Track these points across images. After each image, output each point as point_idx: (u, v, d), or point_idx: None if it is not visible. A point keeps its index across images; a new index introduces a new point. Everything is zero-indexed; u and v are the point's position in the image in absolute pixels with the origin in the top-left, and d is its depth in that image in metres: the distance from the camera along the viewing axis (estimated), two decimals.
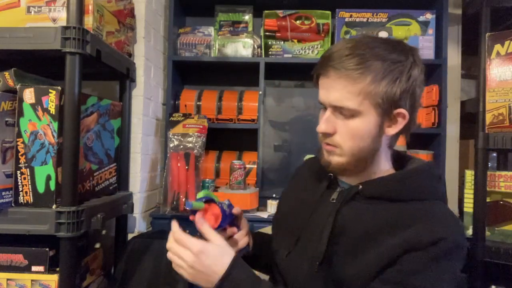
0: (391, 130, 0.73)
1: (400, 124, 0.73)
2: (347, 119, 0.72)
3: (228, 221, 0.83)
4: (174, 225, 0.78)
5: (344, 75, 0.69)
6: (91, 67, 1.22)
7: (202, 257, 0.71)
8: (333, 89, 0.71)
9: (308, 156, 1.58)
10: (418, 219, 0.68)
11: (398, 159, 0.82)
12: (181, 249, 0.74)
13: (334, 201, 0.78)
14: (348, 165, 0.75)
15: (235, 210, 0.87)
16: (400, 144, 1.66)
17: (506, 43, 1.46)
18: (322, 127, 0.73)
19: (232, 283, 0.70)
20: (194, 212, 0.80)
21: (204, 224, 0.77)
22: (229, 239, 0.86)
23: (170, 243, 0.77)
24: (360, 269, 0.69)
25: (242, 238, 0.89)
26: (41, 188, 1.05)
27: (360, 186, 0.75)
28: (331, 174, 0.82)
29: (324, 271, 0.73)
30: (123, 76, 1.49)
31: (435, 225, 0.68)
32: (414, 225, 0.67)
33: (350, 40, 0.74)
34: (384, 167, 0.78)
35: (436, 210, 0.72)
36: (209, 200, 0.81)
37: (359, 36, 0.76)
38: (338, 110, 0.72)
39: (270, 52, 1.92)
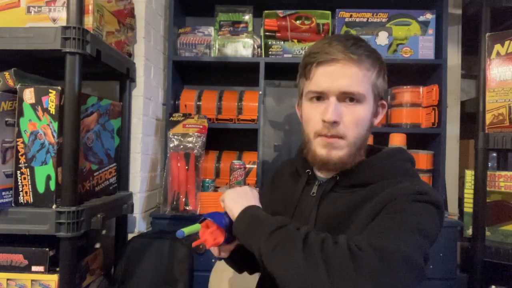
0: (376, 120, 0.80)
1: (381, 115, 0.80)
2: (353, 106, 0.73)
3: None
4: None
5: (357, 61, 0.71)
6: (91, 67, 1.22)
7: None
8: (344, 75, 0.71)
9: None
10: (394, 184, 0.71)
11: (372, 152, 0.83)
12: None
13: (314, 194, 0.80)
14: (349, 158, 0.75)
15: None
16: (400, 144, 1.66)
17: (506, 43, 1.46)
18: (333, 116, 0.71)
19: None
20: (191, 237, 0.78)
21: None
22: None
23: None
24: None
25: None
26: (41, 188, 1.05)
27: (337, 178, 0.77)
28: (309, 170, 0.83)
29: None
30: (123, 76, 1.49)
31: (413, 184, 0.70)
32: (391, 187, 0.70)
33: (347, 34, 0.78)
34: (359, 158, 0.78)
35: (412, 180, 0.74)
36: (203, 220, 0.78)
37: (339, 34, 0.82)
38: (347, 96, 0.72)
39: (270, 52, 1.92)
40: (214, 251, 0.83)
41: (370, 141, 1.69)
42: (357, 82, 0.71)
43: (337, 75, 0.71)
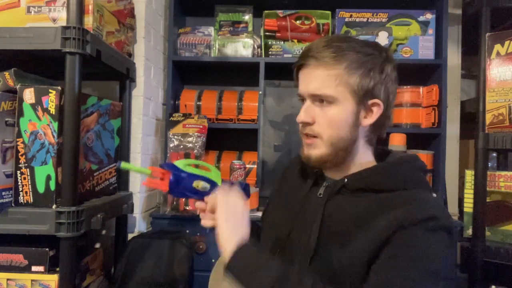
0: (367, 121, 0.76)
1: (375, 114, 0.76)
2: (325, 107, 0.75)
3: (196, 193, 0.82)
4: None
5: (323, 63, 0.73)
6: (91, 67, 1.22)
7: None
8: (313, 78, 0.75)
9: None
10: (405, 202, 0.70)
11: (383, 155, 0.84)
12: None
13: (321, 196, 0.80)
14: (328, 157, 0.76)
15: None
16: (400, 144, 1.66)
17: (506, 43, 1.46)
18: (301, 116, 0.76)
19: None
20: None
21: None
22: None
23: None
24: (351, 257, 0.70)
25: None
26: (41, 188, 1.05)
27: (346, 180, 0.77)
28: (317, 170, 0.84)
29: (316, 265, 0.74)
30: (123, 76, 1.49)
31: (425, 206, 0.69)
32: (402, 206, 0.69)
33: (327, 36, 0.78)
34: (365, 160, 0.80)
35: (423, 196, 0.73)
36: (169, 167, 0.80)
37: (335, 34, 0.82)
38: (317, 98, 0.75)
39: (270, 52, 1.92)
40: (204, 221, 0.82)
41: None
42: (325, 84, 0.74)
43: (308, 78, 0.76)
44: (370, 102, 0.75)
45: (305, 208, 0.81)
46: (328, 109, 0.75)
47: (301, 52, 0.79)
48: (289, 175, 0.95)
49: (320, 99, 0.75)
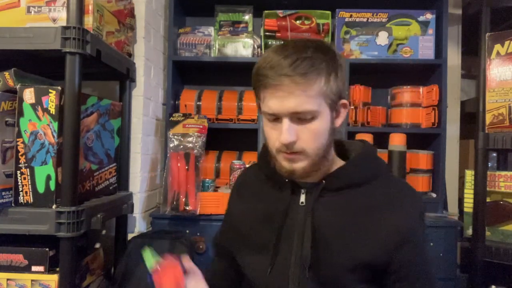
0: (339, 121, 0.78)
1: (343, 113, 0.78)
2: (308, 123, 0.72)
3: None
4: None
5: (302, 80, 0.69)
6: (91, 67, 1.22)
7: None
8: (291, 96, 0.69)
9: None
10: (391, 202, 0.76)
11: (339, 147, 0.86)
12: None
13: (304, 204, 0.79)
14: (313, 167, 0.75)
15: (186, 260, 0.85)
16: (400, 144, 1.66)
17: (506, 43, 1.46)
18: (287, 137, 0.70)
19: None
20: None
21: None
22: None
23: None
24: (351, 260, 0.72)
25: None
26: (41, 188, 1.05)
27: (324, 181, 0.77)
28: (288, 179, 0.80)
29: (314, 275, 0.74)
30: (123, 76, 1.49)
31: (413, 199, 0.78)
32: (392, 209, 0.75)
33: (279, 47, 0.73)
34: (331, 156, 0.80)
35: (399, 184, 0.81)
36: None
37: (281, 43, 0.76)
38: (297, 116, 0.71)
39: None
40: None
41: (370, 141, 1.69)
42: (305, 100, 0.70)
43: (284, 96, 0.70)
44: (340, 103, 0.76)
45: (289, 220, 0.79)
46: (310, 124, 0.72)
47: (264, 69, 0.71)
48: (251, 188, 0.90)
49: (299, 116, 0.71)
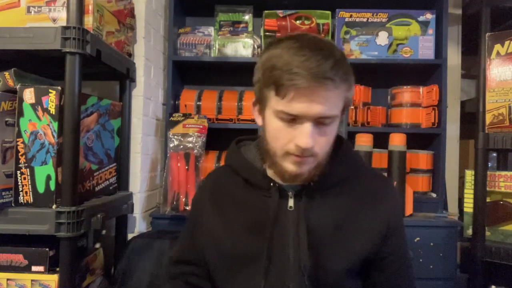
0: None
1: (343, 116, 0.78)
2: (326, 127, 0.69)
3: None
4: None
5: (343, 85, 0.67)
6: (91, 67, 1.22)
7: None
8: (321, 100, 0.66)
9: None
10: (376, 195, 0.79)
11: None
12: None
13: (292, 208, 0.75)
14: (317, 169, 0.73)
15: None
16: (400, 144, 1.66)
17: (506, 43, 1.46)
18: (309, 142, 0.67)
19: None
20: None
21: None
22: None
23: None
24: (348, 259, 0.74)
25: None
26: (41, 188, 1.05)
27: (312, 183, 0.75)
28: (275, 183, 0.76)
29: (313, 280, 0.72)
30: (123, 76, 1.49)
31: (394, 193, 0.83)
32: (379, 202, 0.78)
33: (312, 42, 0.68)
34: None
35: (378, 176, 0.85)
36: None
37: (302, 37, 0.70)
38: (321, 120, 0.68)
39: None
40: None
41: (370, 141, 1.69)
42: (334, 105, 0.68)
43: (314, 99, 0.66)
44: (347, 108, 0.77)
45: (280, 226, 0.75)
46: (328, 129, 0.70)
47: (291, 67, 0.65)
48: (232, 198, 0.81)
49: (322, 121, 0.68)
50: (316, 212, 0.75)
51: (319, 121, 0.68)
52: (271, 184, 0.76)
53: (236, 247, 0.77)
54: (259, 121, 0.78)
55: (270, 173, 0.79)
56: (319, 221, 0.74)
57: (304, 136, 0.67)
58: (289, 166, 0.71)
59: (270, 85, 0.68)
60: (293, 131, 0.68)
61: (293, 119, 0.68)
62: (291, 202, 0.76)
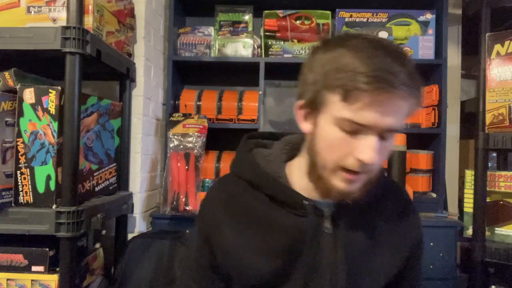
0: None
1: None
2: (386, 141, 0.61)
3: None
4: None
5: (418, 94, 0.60)
6: (91, 67, 1.22)
7: None
8: (395, 111, 0.58)
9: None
10: (401, 210, 0.76)
11: None
12: None
13: (329, 230, 0.67)
14: (367, 186, 0.66)
15: None
16: (400, 144, 1.66)
17: (506, 43, 1.46)
18: (375, 157, 0.59)
19: None
20: None
21: None
22: None
23: None
24: (383, 281, 0.72)
25: None
26: (41, 188, 1.05)
27: (350, 203, 0.67)
28: (310, 201, 0.68)
29: None
30: (123, 76, 1.49)
31: (413, 207, 0.79)
32: (406, 217, 0.76)
33: (382, 43, 0.60)
34: None
35: (396, 187, 0.81)
36: None
37: (368, 37, 0.61)
38: (387, 133, 0.60)
39: (270, 52, 1.91)
40: None
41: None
42: (403, 117, 0.60)
43: (388, 110, 0.58)
44: None
45: (315, 248, 0.67)
46: (389, 143, 0.62)
47: (376, 69, 0.56)
48: (254, 215, 0.71)
49: (387, 134, 0.61)
50: (352, 234, 0.68)
51: (383, 135, 0.60)
52: (303, 201, 0.67)
53: (267, 274, 0.69)
54: (305, 127, 0.67)
55: (298, 186, 0.70)
56: (355, 244, 0.68)
57: (369, 149, 0.59)
58: (339, 183, 0.63)
59: (335, 89, 0.59)
60: (354, 143, 0.60)
61: (356, 130, 0.59)
62: (327, 223, 0.68)
